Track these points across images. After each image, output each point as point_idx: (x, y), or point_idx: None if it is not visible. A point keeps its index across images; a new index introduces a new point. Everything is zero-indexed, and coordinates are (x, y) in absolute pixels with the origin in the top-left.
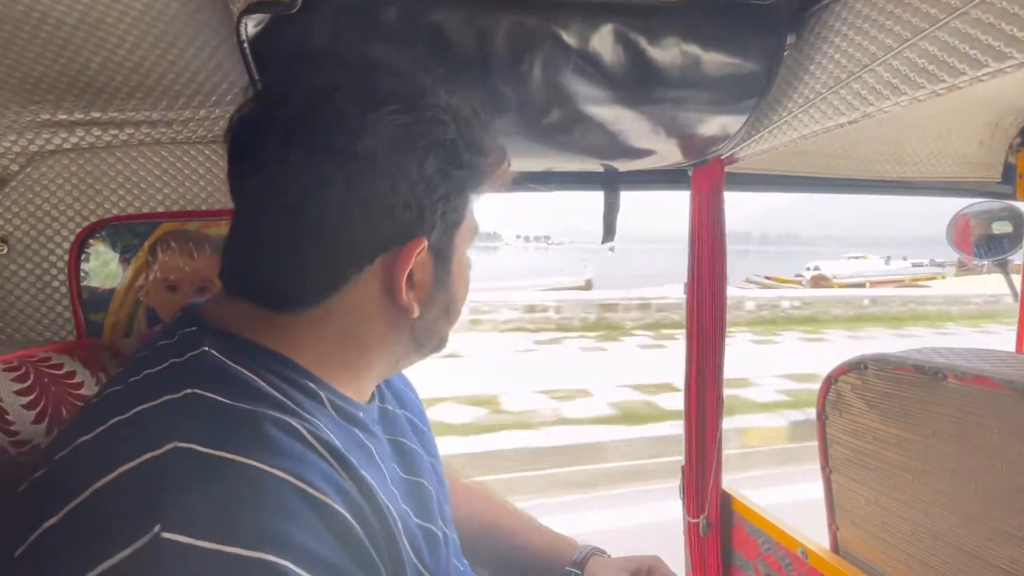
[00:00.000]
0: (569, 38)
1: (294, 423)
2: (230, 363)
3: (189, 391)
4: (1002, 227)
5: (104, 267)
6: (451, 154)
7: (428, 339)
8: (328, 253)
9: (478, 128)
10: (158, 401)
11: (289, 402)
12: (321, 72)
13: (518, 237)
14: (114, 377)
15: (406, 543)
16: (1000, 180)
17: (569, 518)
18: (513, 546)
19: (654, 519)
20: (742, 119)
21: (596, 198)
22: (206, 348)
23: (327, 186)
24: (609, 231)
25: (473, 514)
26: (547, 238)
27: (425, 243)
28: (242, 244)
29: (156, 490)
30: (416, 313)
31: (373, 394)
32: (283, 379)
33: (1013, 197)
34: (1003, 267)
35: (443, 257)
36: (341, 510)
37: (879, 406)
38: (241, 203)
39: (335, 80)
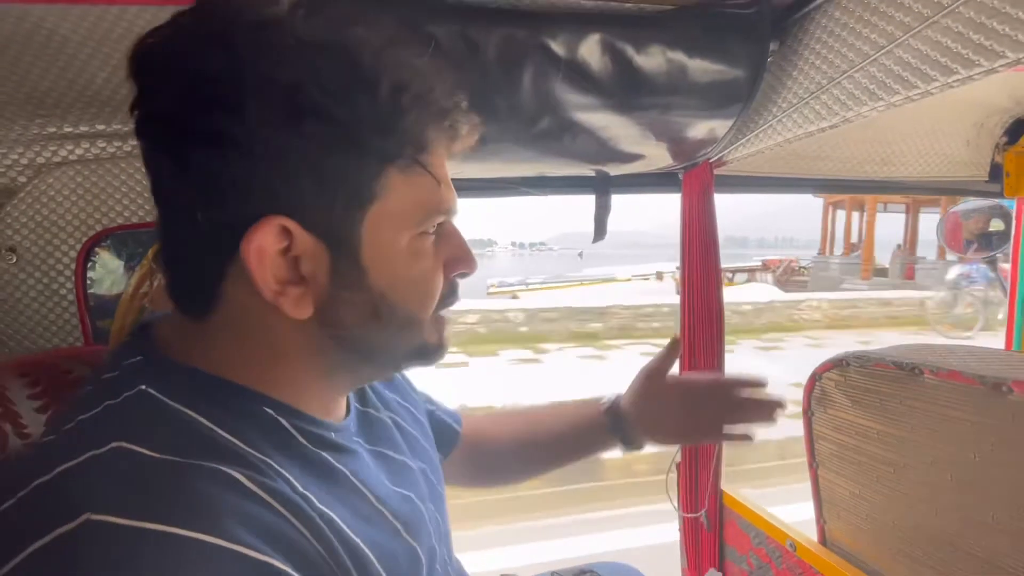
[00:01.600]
0: (558, 48)
1: (232, 472)
2: (170, 402)
3: (114, 445)
4: (991, 225)
5: (110, 275)
6: (304, 111)
7: (366, 348)
8: (188, 239)
9: (385, 75)
10: (81, 459)
11: (236, 441)
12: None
13: (513, 244)
14: (55, 419)
15: (380, 572)
16: (987, 179)
17: None
18: (554, 439)
19: None
20: (729, 123)
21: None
22: (143, 387)
23: (173, 168)
24: (600, 230)
25: (508, 435)
26: (542, 244)
27: (279, 223)
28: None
29: None
30: (301, 313)
31: (348, 406)
32: (232, 412)
33: (1000, 195)
34: (992, 263)
35: (343, 245)
36: (286, 569)
37: (861, 402)
38: None
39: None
